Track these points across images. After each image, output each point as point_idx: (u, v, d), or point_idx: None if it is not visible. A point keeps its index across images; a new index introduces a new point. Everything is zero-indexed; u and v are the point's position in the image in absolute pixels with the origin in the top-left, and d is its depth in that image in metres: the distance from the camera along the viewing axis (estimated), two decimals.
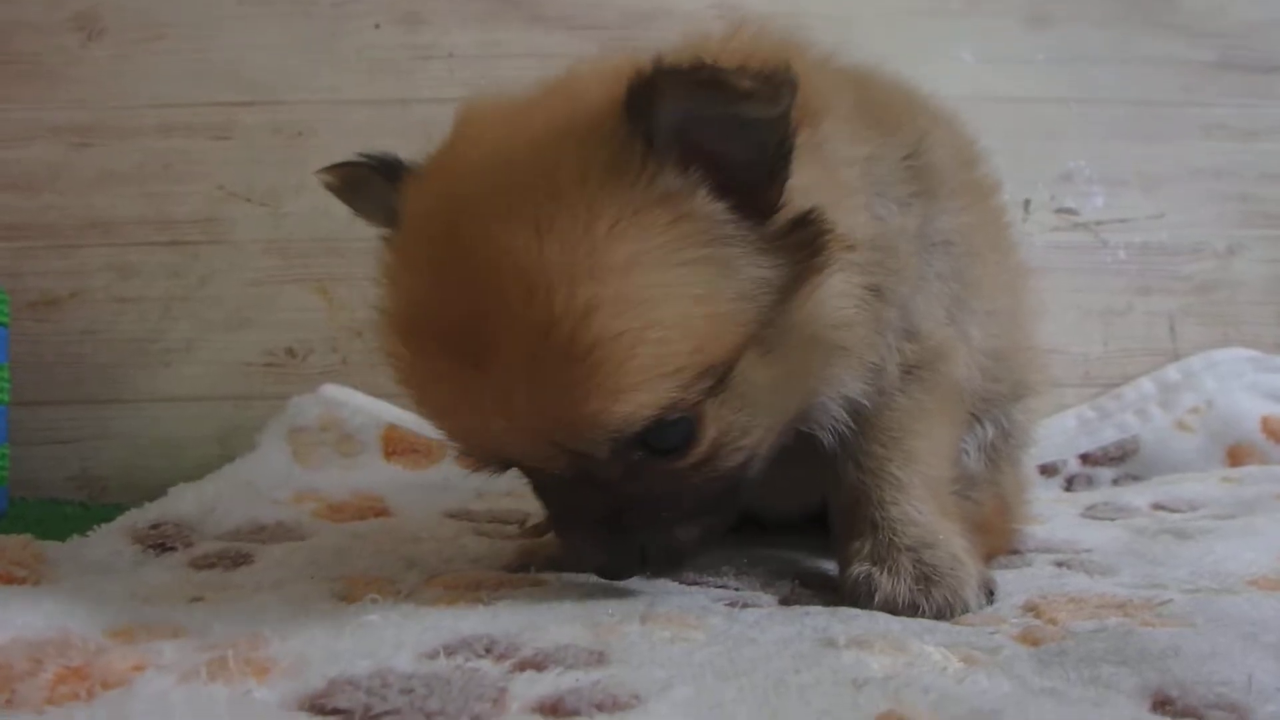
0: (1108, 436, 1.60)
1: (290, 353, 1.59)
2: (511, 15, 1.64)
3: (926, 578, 0.75)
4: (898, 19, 1.68)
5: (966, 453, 0.91)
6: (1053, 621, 0.72)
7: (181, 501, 1.07)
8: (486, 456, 0.72)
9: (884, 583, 0.75)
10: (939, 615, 0.73)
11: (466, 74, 1.62)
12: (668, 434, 0.68)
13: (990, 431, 0.92)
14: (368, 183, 0.79)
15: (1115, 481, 1.56)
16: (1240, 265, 1.71)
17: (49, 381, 1.55)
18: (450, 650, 0.59)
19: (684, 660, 0.58)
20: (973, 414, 0.90)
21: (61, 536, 0.94)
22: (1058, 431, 1.62)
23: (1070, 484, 1.57)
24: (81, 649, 0.57)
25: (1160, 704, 0.52)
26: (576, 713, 0.50)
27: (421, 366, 0.69)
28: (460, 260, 0.65)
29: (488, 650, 0.60)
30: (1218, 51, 1.70)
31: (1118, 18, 1.69)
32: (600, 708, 0.50)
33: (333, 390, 1.48)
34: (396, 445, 1.45)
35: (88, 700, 0.52)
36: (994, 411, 0.93)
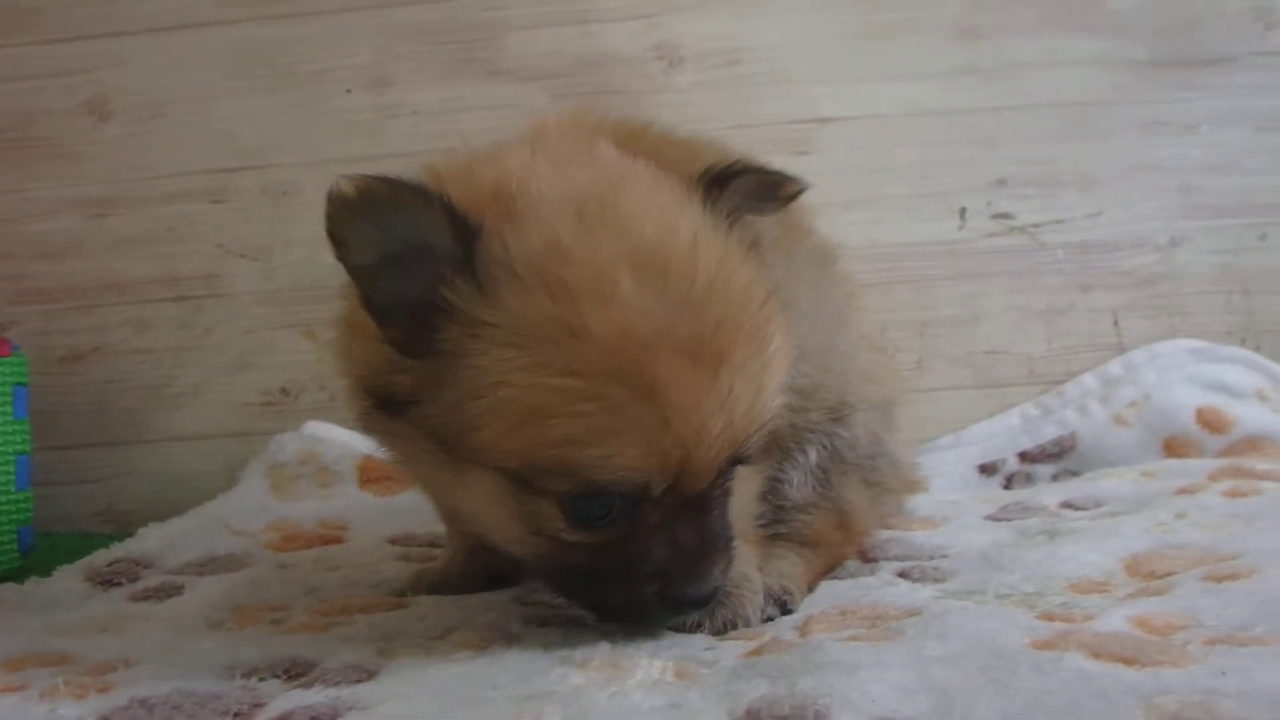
0: (1047, 434, 1.61)
1: (284, 392, 1.72)
2: (469, 71, 1.73)
3: (711, 606, 0.82)
4: (832, 42, 1.71)
5: (789, 483, 0.98)
6: (808, 634, 0.80)
7: (146, 539, 1.19)
8: (661, 470, 0.73)
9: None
10: (720, 632, 0.81)
11: (430, 129, 1.72)
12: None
13: (814, 456, 0.99)
14: (389, 205, 0.71)
15: (1055, 478, 1.57)
16: (1184, 257, 1.70)
17: (77, 427, 1.71)
18: (249, 671, 0.69)
19: (434, 677, 0.66)
20: (793, 445, 0.98)
21: None
22: (1000, 430, 1.64)
23: (1009, 482, 1.59)
24: None
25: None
26: None
27: (663, 374, 0.71)
28: (686, 284, 0.74)
29: (285, 672, 0.69)
30: (1147, 49, 1.68)
31: (1046, 23, 1.69)
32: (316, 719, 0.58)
33: (314, 426, 1.60)
34: (371, 474, 1.55)
35: None
36: (816, 437, 0.99)
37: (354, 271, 0.75)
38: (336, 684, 0.65)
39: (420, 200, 0.71)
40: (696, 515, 0.77)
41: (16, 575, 1.27)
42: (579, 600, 0.81)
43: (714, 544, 0.78)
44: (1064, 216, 1.69)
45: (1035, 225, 1.69)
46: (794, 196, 0.90)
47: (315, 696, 0.63)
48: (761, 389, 0.77)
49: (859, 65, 1.70)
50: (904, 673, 0.67)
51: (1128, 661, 0.67)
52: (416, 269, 0.73)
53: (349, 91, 1.74)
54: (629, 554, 0.76)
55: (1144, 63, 1.69)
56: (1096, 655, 0.68)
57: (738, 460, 0.79)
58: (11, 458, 1.41)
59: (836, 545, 1.01)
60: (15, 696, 0.67)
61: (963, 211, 1.69)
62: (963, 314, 1.69)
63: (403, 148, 1.72)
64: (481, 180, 0.78)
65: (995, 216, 1.69)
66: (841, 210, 1.64)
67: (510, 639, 0.79)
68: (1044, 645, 0.71)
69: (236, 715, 0.60)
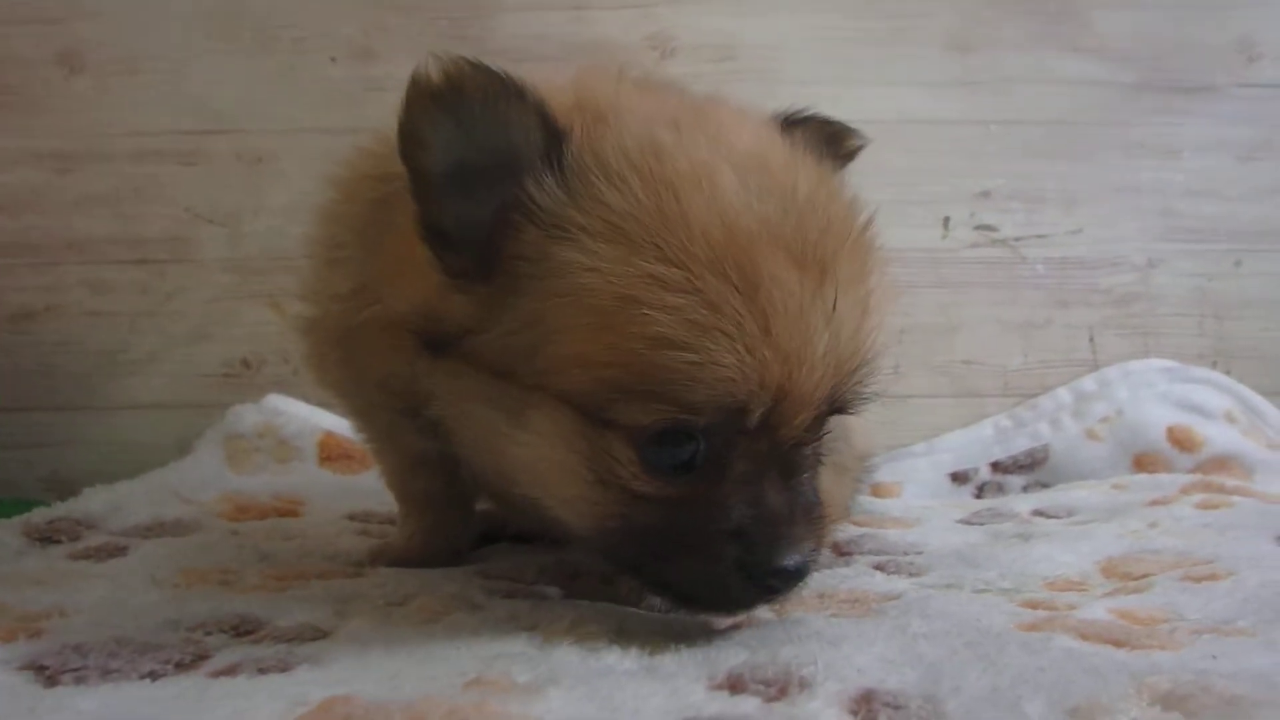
0: (1020, 445, 1.59)
1: (245, 364, 1.64)
2: (457, 50, 1.65)
3: None
4: (825, 46, 1.68)
5: None
6: (783, 613, 0.77)
7: (92, 500, 1.12)
8: (761, 389, 0.64)
9: (656, 601, 0.77)
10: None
11: None
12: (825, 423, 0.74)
13: None
14: (480, 99, 0.66)
15: (1025, 489, 1.55)
16: (1161, 278, 1.69)
17: (25, 389, 1.62)
18: (195, 626, 0.62)
19: (393, 635, 0.61)
20: None
21: None
22: (974, 440, 1.62)
23: (981, 491, 1.57)
24: None
25: (724, 684, 0.59)
26: (238, 672, 0.54)
27: (767, 270, 0.64)
28: (789, 189, 0.68)
29: (234, 628, 0.63)
30: (1135, 73, 1.68)
31: (1035, 41, 1.68)
32: (263, 672, 0.52)
33: (275, 400, 1.53)
34: (331, 451, 1.48)
35: None
36: None
37: (423, 180, 0.67)
38: (289, 640, 0.59)
39: (515, 95, 0.65)
40: (787, 472, 0.68)
41: None
42: (645, 576, 0.70)
43: (806, 511, 0.69)
44: (1046, 232, 1.68)
45: (1017, 239, 1.68)
46: (853, 155, 0.87)
47: (264, 650, 0.57)
48: (868, 315, 0.69)
49: (851, 70, 1.68)
50: (888, 646, 0.64)
51: (1117, 644, 0.65)
52: (493, 181, 0.66)
53: (333, 61, 1.68)
54: (708, 512, 0.66)
55: (1130, 86, 1.69)
56: (1085, 637, 0.66)
57: (839, 406, 0.71)
58: None
59: None
60: None
61: (946, 221, 1.67)
62: (942, 323, 1.67)
63: (384, 122, 1.65)
64: (563, 95, 0.72)
65: (978, 228, 1.67)
66: None
67: (473, 608, 0.73)
68: (1030, 627, 0.70)
69: (178, 665, 0.54)
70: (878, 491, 1.46)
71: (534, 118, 0.66)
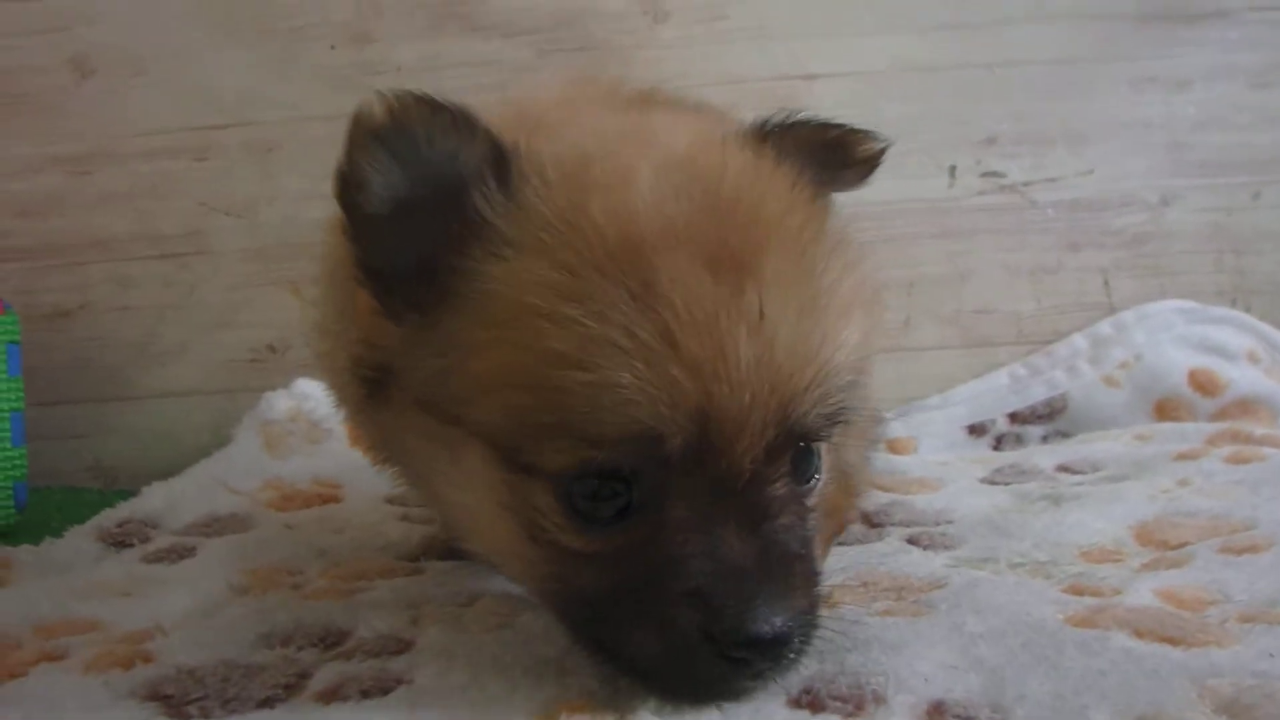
0: (1037, 395, 1.69)
1: (271, 349, 1.81)
2: (451, 27, 1.79)
3: None
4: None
5: None
6: (834, 605, 0.79)
7: (151, 499, 1.29)
8: (674, 413, 0.60)
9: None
10: None
11: (413, 85, 1.75)
12: (810, 459, 0.69)
13: None
14: (425, 134, 0.65)
15: (1044, 439, 1.65)
16: (1174, 216, 1.79)
17: (64, 383, 1.80)
18: (285, 640, 0.78)
19: (469, 649, 0.74)
20: None
21: (81, 520, 1.22)
22: (988, 390, 1.72)
23: (999, 443, 1.67)
24: (1, 644, 0.78)
25: (801, 701, 0.64)
26: (347, 697, 0.68)
27: (669, 273, 0.61)
28: (712, 188, 0.66)
29: (321, 640, 0.79)
30: (1136, 3, 1.75)
31: None
32: (366, 694, 0.68)
33: (304, 384, 1.69)
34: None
35: None
36: None
37: (362, 222, 0.67)
38: (376, 655, 0.74)
39: (462, 124, 0.64)
40: (753, 518, 0.62)
41: (13, 531, 1.38)
42: (596, 650, 0.65)
43: (784, 564, 0.62)
44: (1054, 175, 1.78)
45: (1025, 183, 1.78)
46: (871, 160, 0.79)
47: (358, 667, 0.72)
48: (819, 320, 0.64)
49: (845, 21, 1.76)
50: (948, 650, 0.69)
51: (1173, 641, 0.69)
52: (440, 209, 0.65)
53: (332, 47, 1.80)
54: (654, 568, 0.60)
55: (1134, 17, 1.76)
56: (1139, 634, 0.70)
57: (800, 431, 0.64)
58: (6, 415, 1.50)
59: (842, 510, 1.03)
60: (57, 666, 0.76)
61: (953, 170, 1.77)
62: (950, 273, 1.78)
63: None
64: (505, 109, 0.74)
65: (985, 175, 1.78)
66: None
67: (535, 607, 0.80)
68: (1082, 622, 0.73)
69: (287, 688, 0.68)
70: (893, 448, 1.56)
71: (482, 142, 0.65)
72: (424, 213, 0.66)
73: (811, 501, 0.71)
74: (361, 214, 0.67)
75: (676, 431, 0.59)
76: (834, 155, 0.78)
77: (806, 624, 0.63)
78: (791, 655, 0.62)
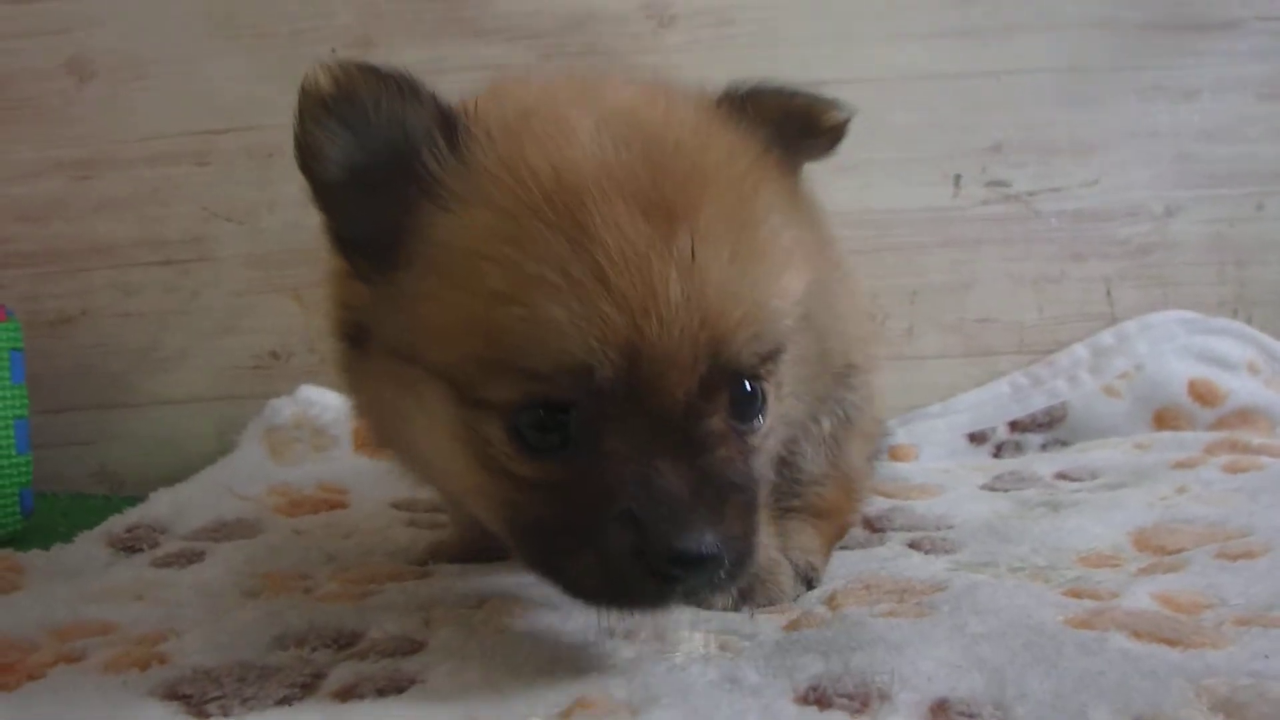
0: (1037, 403, 1.72)
1: (274, 355, 1.83)
2: (454, 31, 1.81)
3: (750, 587, 0.88)
4: (825, 4, 1.79)
5: (803, 455, 1.00)
6: (837, 607, 0.85)
7: (158, 504, 1.31)
8: (605, 347, 0.64)
9: (715, 600, 0.86)
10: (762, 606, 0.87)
11: None
12: (753, 400, 0.73)
13: (828, 424, 1.02)
14: (372, 100, 0.70)
15: (1044, 447, 1.69)
16: (1178, 226, 1.81)
17: (67, 390, 1.81)
18: (298, 641, 0.80)
19: (482, 649, 0.76)
20: (807, 416, 0.97)
21: (87, 526, 1.24)
22: (990, 399, 1.75)
23: (999, 451, 1.71)
24: (18, 647, 0.79)
25: (808, 697, 0.67)
26: (363, 695, 0.70)
27: (602, 216, 0.65)
28: (654, 140, 0.71)
29: (334, 641, 0.81)
30: (1146, 12, 1.78)
31: None
32: (382, 693, 0.70)
33: (308, 391, 1.71)
34: (364, 438, 1.66)
35: (13, 689, 0.73)
36: (827, 405, 1.01)
37: (324, 190, 0.73)
38: (390, 655, 0.76)
39: (408, 91, 0.70)
40: (690, 450, 0.67)
41: (21, 537, 1.39)
42: (545, 572, 0.71)
43: (714, 491, 0.66)
44: (1059, 184, 1.80)
45: (1030, 193, 1.80)
46: (836, 130, 0.83)
47: (372, 667, 0.74)
48: (750, 265, 0.68)
49: (851, 27, 1.78)
50: (950, 649, 0.71)
51: (1170, 643, 0.71)
52: (393, 173, 0.71)
53: (334, 51, 1.82)
54: (592, 494, 0.65)
55: (1142, 27, 1.79)
56: (1137, 636, 0.72)
57: (731, 367, 0.69)
58: (10, 422, 1.51)
59: (844, 513, 1.06)
60: (75, 668, 0.78)
61: (957, 178, 1.80)
62: (954, 281, 1.80)
63: None
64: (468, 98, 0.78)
65: (990, 184, 1.80)
66: (830, 175, 1.73)
67: (549, 608, 0.85)
68: (1081, 624, 0.75)
69: (304, 687, 0.70)
70: (895, 455, 1.59)
71: (428, 106, 0.70)
72: (379, 177, 0.71)
73: (755, 442, 0.75)
74: (321, 182, 0.73)
75: (606, 364, 0.64)
76: (800, 123, 0.82)
77: (740, 549, 0.67)
78: (723, 575, 0.66)
